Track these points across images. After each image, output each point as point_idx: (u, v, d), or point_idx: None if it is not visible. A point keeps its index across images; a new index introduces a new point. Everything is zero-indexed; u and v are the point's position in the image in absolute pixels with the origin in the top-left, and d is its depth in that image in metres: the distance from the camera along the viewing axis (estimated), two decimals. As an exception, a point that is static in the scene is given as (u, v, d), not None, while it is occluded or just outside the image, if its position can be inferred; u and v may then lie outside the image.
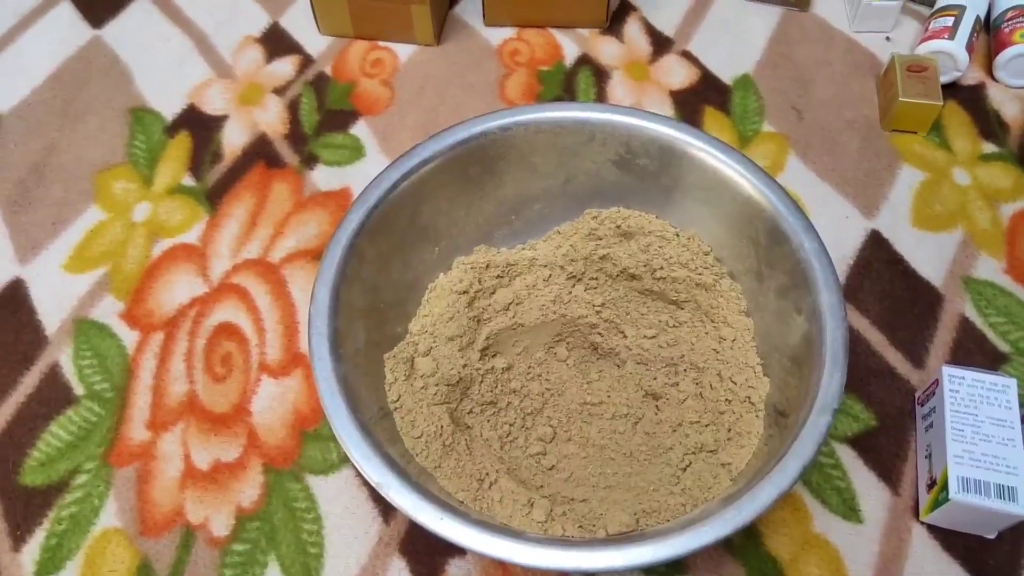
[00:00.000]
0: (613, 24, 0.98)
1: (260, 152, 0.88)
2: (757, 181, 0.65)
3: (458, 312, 0.68)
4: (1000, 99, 0.90)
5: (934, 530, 0.65)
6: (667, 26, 0.98)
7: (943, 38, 0.88)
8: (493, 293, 0.71)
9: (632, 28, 0.98)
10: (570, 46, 0.97)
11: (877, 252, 0.79)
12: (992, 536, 0.65)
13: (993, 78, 0.91)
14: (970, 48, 0.88)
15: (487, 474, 0.61)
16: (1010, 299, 0.76)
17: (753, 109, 0.90)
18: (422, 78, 0.94)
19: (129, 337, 0.76)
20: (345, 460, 0.69)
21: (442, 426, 0.63)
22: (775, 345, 0.64)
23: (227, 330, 0.76)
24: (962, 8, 0.89)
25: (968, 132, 0.87)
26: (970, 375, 0.65)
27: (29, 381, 0.74)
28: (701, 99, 0.91)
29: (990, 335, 0.74)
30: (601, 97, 0.92)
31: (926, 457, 0.66)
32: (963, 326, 0.75)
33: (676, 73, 0.94)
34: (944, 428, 0.63)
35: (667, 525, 0.54)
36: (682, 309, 0.70)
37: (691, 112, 0.90)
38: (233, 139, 0.89)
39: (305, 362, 0.74)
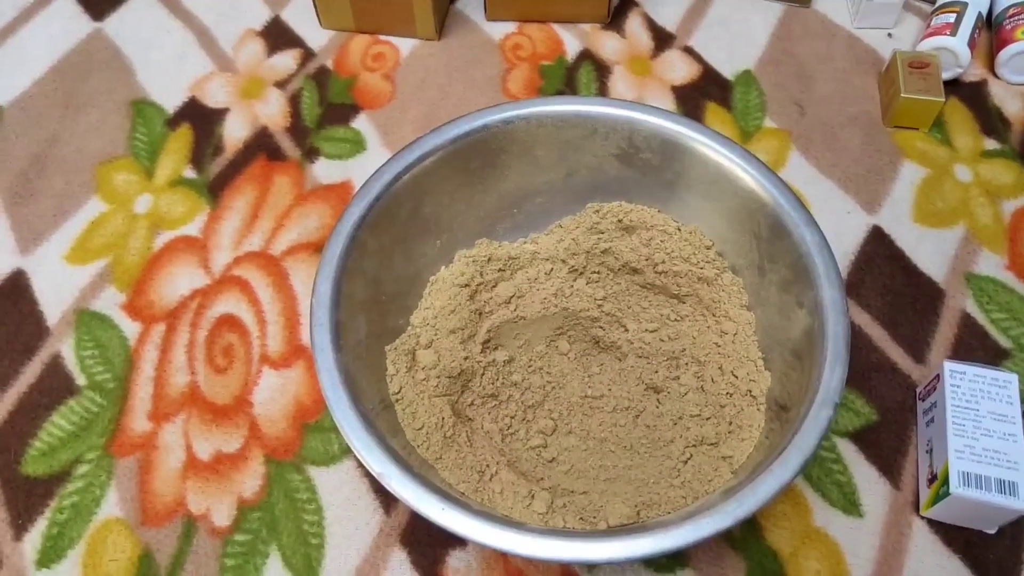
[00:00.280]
0: (615, 19, 0.98)
1: (261, 145, 0.88)
2: (759, 175, 0.65)
3: (460, 305, 0.68)
4: (1002, 96, 0.90)
5: (935, 525, 0.65)
6: (669, 22, 0.98)
7: (945, 35, 0.88)
8: (495, 286, 0.71)
9: (634, 23, 0.98)
10: (572, 41, 0.97)
11: (879, 247, 0.79)
12: (992, 531, 0.65)
13: (995, 75, 0.91)
14: (972, 45, 0.88)
15: (488, 466, 0.62)
16: (1012, 295, 0.76)
17: (755, 105, 0.90)
18: (423, 72, 0.94)
19: (131, 328, 0.76)
20: (346, 451, 0.69)
21: (443, 418, 0.63)
22: (777, 339, 0.64)
23: (228, 322, 0.76)
24: (964, 5, 0.89)
25: (970, 128, 0.87)
26: (971, 370, 0.65)
27: (31, 371, 0.74)
28: (703, 95, 0.91)
29: (991, 331, 0.74)
30: (603, 92, 0.92)
31: (927, 452, 0.66)
32: (964, 322, 0.75)
33: (678, 68, 0.94)
34: (945, 423, 0.63)
35: (668, 517, 0.54)
36: (684, 303, 0.70)
37: (693, 108, 0.90)
38: (234, 132, 0.89)
39: (306, 354, 0.74)
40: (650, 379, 0.68)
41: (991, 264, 0.78)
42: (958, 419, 0.63)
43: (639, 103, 0.70)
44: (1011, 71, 0.90)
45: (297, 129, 0.89)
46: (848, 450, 0.69)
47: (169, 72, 0.95)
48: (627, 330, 0.70)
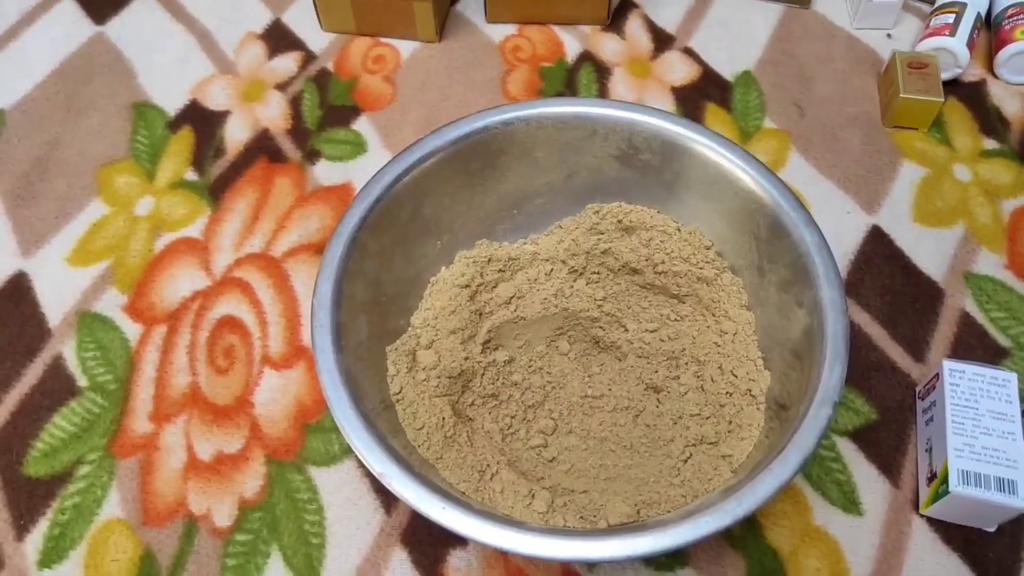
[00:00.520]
0: (615, 21, 0.99)
1: (262, 147, 0.88)
2: (759, 176, 0.65)
3: (460, 305, 0.68)
4: (1001, 96, 0.90)
5: (934, 523, 0.65)
6: (668, 23, 0.98)
7: (944, 35, 0.88)
8: (495, 287, 0.71)
9: (633, 25, 0.98)
10: (572, 43, 0.97)
11: (878, 247, 0.79)
12: (992, 529, 0.65)
13: (994, 75, 0.91)
14: (971, 45, 0.88)
15: (488, 466, 0.62)
16: (1011, 294, 0.76)
17: (754, 105, 0.90)
18: (424, 74, 0.94)
19: (132, 330, 0.76)
20: (347, 452, 0.69)
21: (444, 418, 0.63)
22: (776, 339, 0.64)
23: (229, 323, 0.76)
24: (963, 5, 0.89)
25: (969, 128, 0.87)
26: (971, 369, 0.65)
27: (33, 373, 0.74)
28: (703, 95, 0.91)
29: (991, 330, 0.74)
30: (603, 93, 0.92)
31: (926, 451, 0.66)
32: (964, 321, 0.75)
33: (678, 70, 0.94)
34: (945, 422, 0.63)
35: (667, 516, 0.54)
36: (683, 303, 0.70)
37: (692, 109, 0.90)
38: (235, 134, 0.90)
39: (307, 355, 0.74)
40: (650, 379, 0.68)
41: (990, 263, 0.78)
42: (957, 418, 0.63)
43: (639, 104, 0.70)
44: (1010, 71, 0.90)
45: (298, 131, 0.90)
46: (848, 449, 0.69)
47: (170, 75, 0.95)
48: (627, 330, 0.70)
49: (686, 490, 0.61)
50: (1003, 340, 0.74)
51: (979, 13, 0.90)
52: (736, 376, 0.65)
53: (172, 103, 0.93)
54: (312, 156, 0.88)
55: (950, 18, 0.89)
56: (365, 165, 0.87)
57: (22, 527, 0.67)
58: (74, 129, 0.91)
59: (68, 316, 0.77)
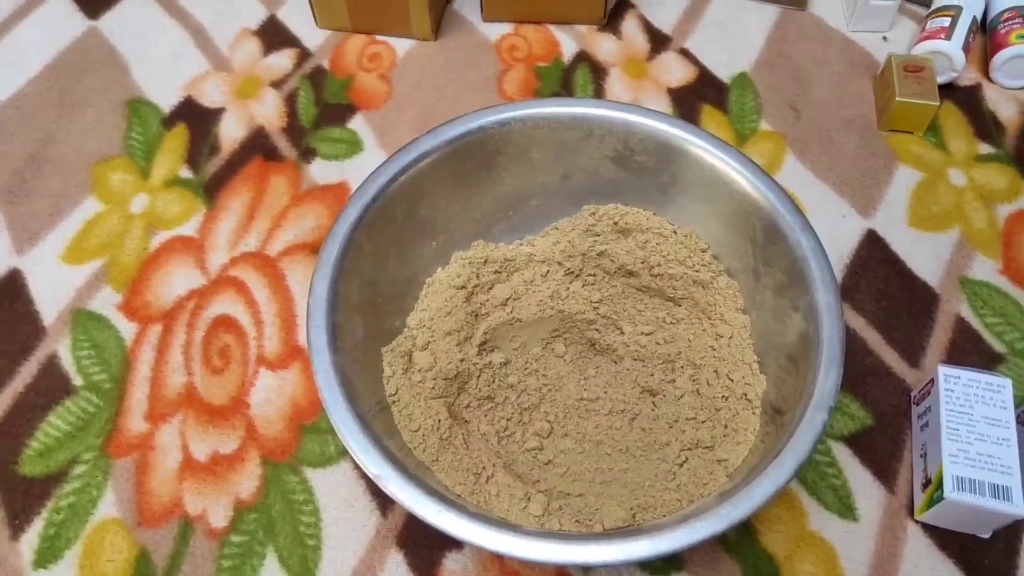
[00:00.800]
0: (611, 21, 0.99)
1: (258, 145, 0.88)
2: (755, 179, 0.65)
3: (456, 307, 0.68)
4: (996, 100, 0.90)
5: (929, 529, 0.66)
6: (665, 24, 0.98)
7: (940, 38, 0.88)
8: (491, 288, 0.71)
9: (630, 25, 0.98)
10: (568, 43, 0.97)
11: (874, 251, 0.79)
12: (987, 535, 0.65)
13: (989, 79, 0.92)
14: (967, 49, 0.88)
15: (484, 468, 0.62)
16: (1006, 299, 0.76)
17: (750, 108, 0.90)
18: (420, 73, 0.94)
19: (127, 328, 0.76)
20: (343, 453, 0.69)
21: (440, 420, 0.63)
22: (772, 343, 0.64)
23: (225, 323, 0.76)
24: (959, 9, 0.90)
25: (964, 133, 0.88)
26: (966, 375, 0.65)
27: (27, 372, 0.74)
28: (699, 97, 0.91)
29: (986, 335, 0.75)
30: (599, 94, 0.92)
31: (921, 456, 0.66)
32: (959, 326, 0.75)
33: (674, 71, 0.94)
34: (939, 427, 0.63)
35: (663, 520, 0.55)
36: (679, 306, 0.70)
37: (688, 110, 0.90)
38: (230, 132, 0.89)
39: (303, 355, 0.74)
40: (646, 382, 0.68)
41: (985, 268, 0.78)
42: (952, 423, 0.63)
43: (635, 105, 0.70)
44: (1005, 75, 0.90)
45: (293, 129, 0.89)
46: (843, 454, 0.69)
47: (165, 71, 0.95)
48: (623, 333, 0.70)
49: (682, 494, 0.61)
50: (998, 346, 0.74)
51: (975, 17, 0.90)
52: (732, 380, 0.65)
53: (166, 99, 0.92)
54: (307, 154, 0.87)
55: (946, 22, 0.89)
56: (361, 164, 0.86)
57: (17, 527, 0.67)
58: (68, 125, 0.90)
59: (63, 314, 0.77)
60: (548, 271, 0.72)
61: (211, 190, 0.85)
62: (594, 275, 0.72)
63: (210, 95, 0.93)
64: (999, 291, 0.77)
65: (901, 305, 0.76)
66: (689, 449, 0.64)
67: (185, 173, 0.86)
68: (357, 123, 0.90)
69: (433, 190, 0.69)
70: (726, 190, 0.67)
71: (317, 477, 0.68)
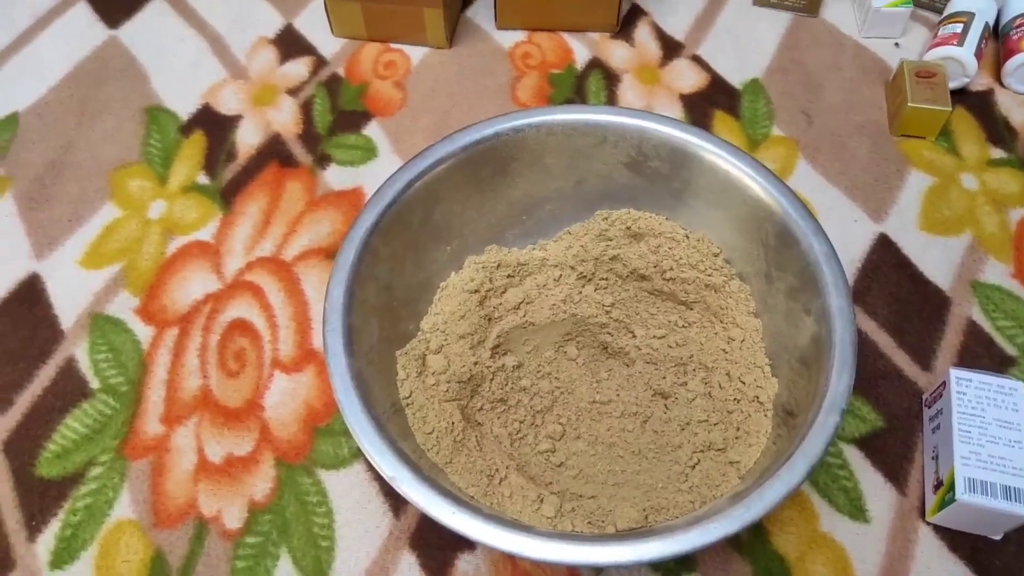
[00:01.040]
0: (624, 28, 0.99)
1: (274, 152, 0.89)
2: (767, 184, 0.66)
3: (470, 311, 0.69)
4: (1008, 105, 0.90)
5: (940, 531, 0.66)
6: (677, 30, 0.99)
7: (952, 44, 0.88)
8: (504, 292, 0.72)
9: (642, 32, 0.99)
10: (581, 50, 0.97)
11: (885, 256, 0.80)
12: (998, 537, 0.65)
13: (1002, 84, 0.92)
14: (979, 54, 0.88)
15: (497, 470, 0.62)
16: (1018, 303, 0.76)
17: (763, 113, 0.91)
18: (434, 80, 0.95)
19: (144, 332, 0.77)
20: (356, 455, 0.70)
21: (453, 422, 0.63)
22: (784, 346, 0.65)
23: (240, 326, 0.77)
24: (971, 15, 0.90)
25: (976, 138, 0.88)
26: (977, 378, 0.65)
27: (45, 375, 0.75)
28: (711, 103, 0.92)
29: (997, 338, 0.75)
30: (612, 100, 0.93)
31: (933, 458, 0.67)
32: (971, 329, 0.75)
33: (686, 77, 0.94)
34: (951, 430, 0.63)
35: (675, 522, 0.55)
36: (691, 310, 0.71)
37: (701, 116, 0.91)
38: (247, 139, 0.90)
39: (317, 358, 0.75)
40: (658, 385, 0.69)
41: (997, 272, 0.78)
42: (964, 426, 0.63)
43: (648, 112, 0.70)
44: (1018, 81, 0.90)
45: (309, 136, 0.90)
46: (855, 456, 0.69)
47: (183, 79, 0.96)
48: (635, 336, 0.70)
49: (694, 496, 0.61)
50: (1010, 349, 0.74)
51: (987, 23, 0.90)
52: (744, 383, 0.65)
53: (184, 107, 0.93)
54: (323, 161, 0.88)
55: (958, 28, 0.89)
56: (375, 170, 0.87)
57: (34, 528, 0.67)
58: (87, 133, 0.91)
59: (81, 318, 0.78)
60: (561, 275, 0.72)
61: (228, 196, 0.86)
62: (607, 279, 0.72)
63: (227, 103, 0.94)
64: (1011, 295, 0.77)
65: (913, 308, 0.76)
66: (701, 451, 0.64)
67: (202, 179, 0.87)
68: (372, 130, 0.91)
69: (448, 195, 0.70)
70: (738, 195, 0.67)
71: (331, 479, 0.69)
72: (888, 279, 0.78)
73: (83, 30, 1.01)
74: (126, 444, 0.71)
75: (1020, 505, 0.60)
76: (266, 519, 0.67)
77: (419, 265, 0.70)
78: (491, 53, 0.97)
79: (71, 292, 0.80)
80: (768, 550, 0.65)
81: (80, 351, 0.76)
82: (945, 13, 0.93)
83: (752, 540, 0.65)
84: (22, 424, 0.72)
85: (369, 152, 0.89)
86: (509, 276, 0.72)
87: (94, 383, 0.74)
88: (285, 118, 0.92)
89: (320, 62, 0.97)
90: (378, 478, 0.68)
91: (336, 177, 0.87)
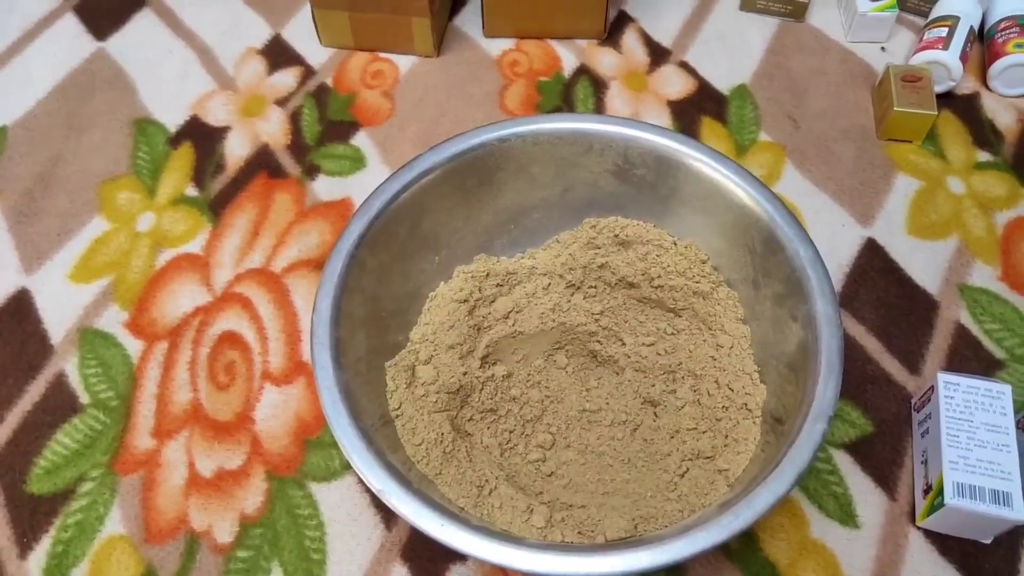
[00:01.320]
0: (611, 35, 0.99)
1: (262, 163, 0.89)
2: (753, 191, 0.66)
3: (458, 320, 0.69)
4: (994, 108, 0.91)
5: (931, 535, 0.66)
6: (664, 37, 0.99)
7: (937, 48, 0.89)
8: (493, 302, 0.72)
9: (630, 39, 0.99)
10: (568, 57, 0.98)
11: (873, 260, 0.80)
12: (988, 541, 0.65)
13: (987, 87, 0.92)
14: (964, 58, 0.89)
15: (487, 481, 0.62)
16: (1005, 306, 0.77)
17: (750, 119, 0.91)
18: (422, 89, 0.95)
19: (133, 346, 0.77)
20: (347, 467, 0.70)
21: (442, 433, 0.63)
22: (772, 352, 0.65)
23: (230, 339, 0.77)
24: (956, 19, 0.90)
25: (963, 141, 0.88)
26: (965, 381, 0.65)
27: (35, 390, 0.75)
28: (698, 109, 0.92)
29: (985, 342, 0.75)
30: (599, 107, 0.93)
31: (922, 463, 0.67)
32: (959, 333, 0.75)
33: (673, 83, 0.95)
34: (940, 434, 0.64)
35: (665, 531, 0.55)
36: (680, 317, 0.71)
37: (688, 122, 0.91)
38: (235, 150, 0.90)
39: (307, 370, 0.75)
40: (647, 393, 0.69)
41: (984, 275, 0.79)
42: (952, 430, 0.64)
43: (633, 119, 0.71)
44: (1003, 84, 0.91)
45: (297, 146, 0.90)
46: (844, 461, 0.69)
47: (171, 91, 0.96)
48: (624, 344, 0.71)
49: (683, 505, 0.61)
50: (998, 352, 0.74)
51: (972, 27, 0.91)
52: (732, 390, 0.65)
53: (172, 119, 0.93)
54: (311, 171, 0.88)
55: (943, 32, 0.90)
56: (364, 180, 0.87)
57: (25, 544, 0.67)
58: (76, 146, 0.91)
59: (70, 333, 0.78)
60: (550, 284, 0.72)
61: (216, 208, 0.86)
62: (595, 287, 0.72)
63: (215, 114, 0.94)
64: (998, 297, 0.77)
65: (901, 313, 0.77)
66: (690, 459, 0.64)
67: (191, 191, 0.87)
68: (360, 140, 0.91)
69: (435, 205, 0.70)
70: (724, 202, 0.68)
71: (322, 491, 0.69)
72: (876, 283, 0.78)
73: (71, 42, 1.01)
74: (117, 459, 0.71)
75: (1008, 509, 0.60)
76: (257, 533, 0.67)
77: (407, 276, 0.70)
78: (479, 61, 0.97)
79: (60, 306, 0.80)
80: (759, 557, 0.65)
81: (70, 366, 0.76)
82: (930, 17, 0.94)
83: (743, 548, 0.66)
84: (12, 440, 0.72)
85: (358, 162, 0.89)
86: (498, 285, 0.72)
87: (84, 398, 0.74)
88: (273, 129, 0.92)
89: (308, 72, 0.97)
90: (369, 490, 0.68)
91: (325, 188, 0.87)
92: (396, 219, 0.67)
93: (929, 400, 0.67)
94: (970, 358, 0.74)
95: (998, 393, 0.65)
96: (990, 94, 0.92)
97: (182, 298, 0.80)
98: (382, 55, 0.98)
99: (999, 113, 0.90)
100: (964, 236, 0.81)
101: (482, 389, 0.68)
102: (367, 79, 0.96)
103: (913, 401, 0.72)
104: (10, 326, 0.79)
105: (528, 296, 0.72)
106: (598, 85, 0.95)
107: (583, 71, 0.96)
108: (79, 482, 0.70)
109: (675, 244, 0.71)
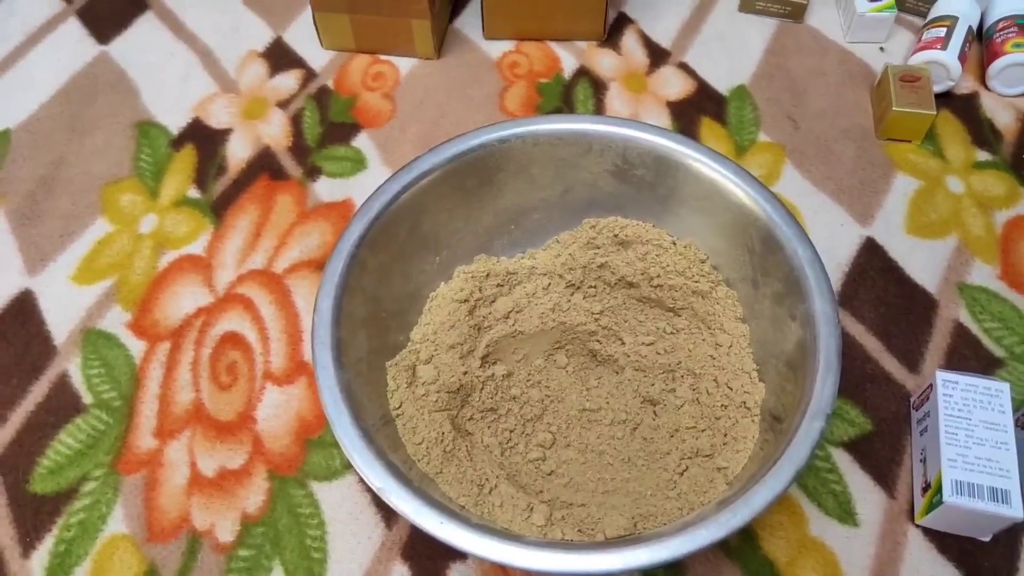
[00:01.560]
0: (611, 36, 1.00)
1: (264, 164, 0.90)
2: (751, 190, 0.66)
3: (459, 320, 0.69)
4: (993, 108, 0.91)
5: (929, 533, 0.66)
6: (664, 38, 0.99)
7: (936, 48, 0.89)
8: (493, 301, 0.72)
9: (629, 40, 0.99)
10: (568, 58, 0.98)
11: (872, 259, 0.80)
12: (987, 539, 0.65)
13: (986, 87, 0.92)
14: (963, 58, 0.89)
15: (487, 479, 0.62)
16: (1004, 304, 0.77)
17: (749, 119, 0.91)
18: (423, 91, 0.95)
19: (136, 347, 0.77)
20: (348, 466, 0.70)
21: (443, 432, 0.64)
22: (770, 351, 0.65)
23: (232, 339, 0.77)
24: (955, 19, 0.90)
25: (961, 140, 0.88)
26: (964, 380, 0.66)
27: (38, 390, 0.75)
28: (698, 110, 0.92)
29: (984, 340, 0.75)
30: (599, 108, 0.93)
31: (921, 461, 0.67)
32: (958, 331, 0.76)
33: (673, 84, 0.95)
34: (938, 432, 0.64)
35: (664, 528, 0.55)
36: (679, 316, 0.71)
37: (688, 123, 0.91)
38: (237, 152, 0.91)
39: (309, 370, 0.75)
40: (647, 392, 0.69)
41: (983, 274, 0.79)
42: (951, 428, 0.64)
43: (633, 120, 0.71)
44: (1002, 83, 0.91)
45: (299, 148, 0.91)
46: (843, 460, 0.70)
47: (173, 94, 0.96)
48: (624, 343, 0.71)
49: (682, 502, 0.62)
50: (997, 350, 0.74)
51: (970, 26, 0.91)
52: (731, 388, 0.66)
53: (175, 121, 0.94)
54: (313, 173, 0.89)
55: (942, 32, 0.90)
56: (365, 181, 0.88)
57: (28, 544, 0.68)
58: (78, 148, 0.92)
59: (73, 334, 0.78)
60: (550, 284, 0.73)
61: (218, 209, 0.86)
62: (595, 287, 0.73)
63: (217, 116, 0.94)
64: (997, 296, 0.77)
65: (900, 311, 0.77)
66: (689, 458, 0.65)
67: (193, 193, 0.88)
68: (361, 141, 0.91)
69: (435, 206, 0.70)
70: (723, 202, 0.68)
71: (323, 490, 0.69)
72: (875, 283, 0.79)
73: (74, 46, 1.02)
74: (119, 459, 0.71)
75: (1007, 507, 0.60)
76: (259, 532, 0.68)
77: (407, 276, 0.70)
78: (479, 63, 0.98)
79: (63, 308, 0.80)
80: (758, 555, 0.65)
81: (73, 366, 0.76)
82: (929, 17, 0.94)
83: (742, 545, 0.66)
84: (15, 440, 0.73)
85: (359, 164, 0.89)
86: (498, 285, 0.72)
87: (87, 398, 0.75)
88: (275, 131, 0.92)
89: (309, 75, 0.98)
90: (370, 489, 0.68)
91: (326, 189, 0.87)
92: (396, 220, 0.68)
93: (928, 398, 0.67)
94: (969, 356, 0.74)
95: (996, 391, 0.65)
96: (989, 93, 0.92)
97: (184, 299, 0.80)
98: (383, 57, 0.99)
99: (998, 112, 0.90)
100: (963, 235, 0.81)
101: (482, 388, 0.69)
102: (368, 81, 0.97)
103: (912, 399, 0.72)
104: (14, 327, 0.79)
105: (528, 296, 0.72)
106: (598, 86, 0.95)
107: (583, 72, 0.97)
108: (82, 482, 0.70)
109: (674, 244, 0.71)
